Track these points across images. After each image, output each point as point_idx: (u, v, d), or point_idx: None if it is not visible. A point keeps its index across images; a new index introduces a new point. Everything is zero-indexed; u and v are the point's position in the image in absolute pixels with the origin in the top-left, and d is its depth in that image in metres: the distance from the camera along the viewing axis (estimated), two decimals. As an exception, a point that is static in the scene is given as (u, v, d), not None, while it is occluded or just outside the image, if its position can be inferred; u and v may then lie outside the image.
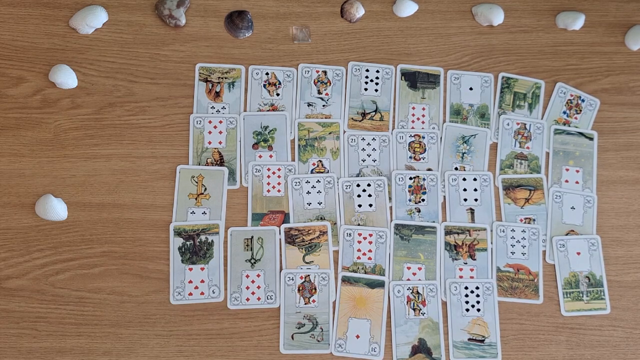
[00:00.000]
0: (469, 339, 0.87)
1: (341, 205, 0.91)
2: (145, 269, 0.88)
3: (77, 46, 0.94)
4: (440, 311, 0.88)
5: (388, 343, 0.87)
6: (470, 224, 0.91)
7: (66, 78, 0.91)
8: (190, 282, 0.87)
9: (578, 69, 0.98)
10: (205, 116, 0.93)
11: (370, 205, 0.91)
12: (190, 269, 0.88)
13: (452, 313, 0.88)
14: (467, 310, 0.88)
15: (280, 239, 0.89)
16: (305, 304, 0.87)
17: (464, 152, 0.94)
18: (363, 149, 0.93)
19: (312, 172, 0.92)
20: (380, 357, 0.86)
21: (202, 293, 0.87)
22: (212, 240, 0.89)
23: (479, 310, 0.88)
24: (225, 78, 0.94)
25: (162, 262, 0.88)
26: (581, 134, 0.96)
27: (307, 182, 0.91)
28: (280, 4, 0.98)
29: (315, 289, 0.87)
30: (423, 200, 0.92)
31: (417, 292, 0.88)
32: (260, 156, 0.92)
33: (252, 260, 0.88)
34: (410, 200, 0.92)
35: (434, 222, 0.91)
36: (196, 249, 0.88)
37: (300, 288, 0.88)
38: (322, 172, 0.92)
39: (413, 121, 0.95)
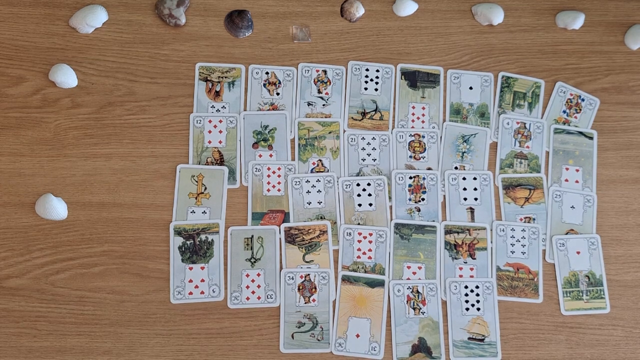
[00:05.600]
0: (469, 338, 0.87)
1: (341, 204, 0.91)
2: (145, 268, 0.88)
3: (77, 45, 0.94)
4: (440, 310, 0.88)
5: (388, 342, 0.87)
6: (470, 223, 0.91)
7: (66, 77, 0.91)
8: (191, 281, 0.87)
9: (578, 69, 0.98)
10: (205, 115, 0.93)
11: (370, 204, 0.91)
12: (191, 268, 0.88)
13: (452, 312, 0.88)
14: (467, 309, 0.88)
15: (280, 238, 0.89)
16: (305, 303, 0.87)
17: (464, 152, 0.94)
18: (363, 148, 0.93)
19: (312, 172, 0.92)
20: (380, 356, 0.86)
21: (202, 292, 0.87)
22: (212, 240, 0.89)
23: (478, 309, 0.88)
24: (225, 77, 0.94)
25: (162, 261, 0.88)
26: (581, 133, 0.96)
27: (307, 181, 0.91)
28: (280, 4, 0.98)
29: (315, 288, 0.88)
30: (423, 199, 0.92)
31: (417, 291, 0.88)
32: (260, 155, 0.92)
33: (252, 260, 0.88)
34: (410, 199, 0.92)
35: (433, 221, 0.91)
36: (196, 248, 0.88)
37: (300, 287, 0.88)
38: (322, 172, 0.92)
39: (413, 120, 0.95)
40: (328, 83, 0.95)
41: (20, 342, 0.85)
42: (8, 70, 0.93)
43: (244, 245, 0.89)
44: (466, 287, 0.89)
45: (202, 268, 0.88)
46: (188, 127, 0.92)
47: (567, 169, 0.95)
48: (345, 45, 0.97)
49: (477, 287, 0.89)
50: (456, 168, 0.94)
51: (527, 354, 0.88)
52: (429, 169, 0.93)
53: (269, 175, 0.91)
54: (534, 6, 1.00)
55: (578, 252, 0.91)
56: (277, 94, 0.95)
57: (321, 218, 0.90)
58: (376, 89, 0.96)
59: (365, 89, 0.96)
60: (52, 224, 0.89)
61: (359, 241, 0.90)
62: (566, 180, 0.94)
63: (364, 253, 0.89)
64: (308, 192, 0.91)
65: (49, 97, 0.92)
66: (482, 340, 0.87)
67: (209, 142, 0.92)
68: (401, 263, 0.89)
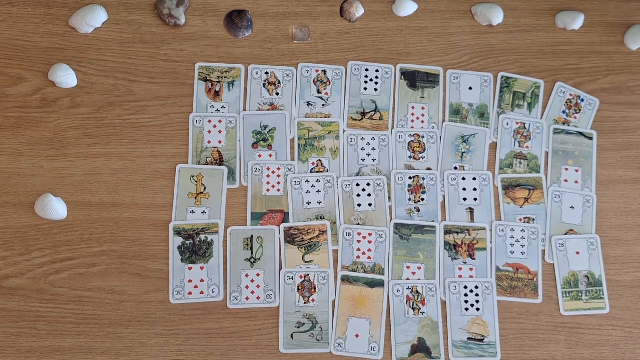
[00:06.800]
0: (469, 339, 0.87)
1: (341, 204, 0.91)
2: (144, 268, 0.88)
3: (76, 45, 0.94)
4: (439, 310, 0.88)
5: (387, 342, 0.87)
6: (470, 224, 0.91)
7: (66, 77, 0.91)
8: (190, 281, 0.87)
9: (577, 69, 0.98)
10: (204, 115, 0.93)
11: (370, 204, 0.91)
12: (190, 268, 0.88)
13: (452, 312, 0.88)
14: (467, 309, 0.88)
15: (279, 239, 0.89)
16: (305, 303, 0.87)
17: (464, 152, 0.94)
18: (362, 149, 0.93)
19: (311, 172, 0.92)
20: (380, 356, 0.86)
21: (201, 292, 0.87)
22: (212, 240, 0.89)
23: (478, 309, 0.88)
24: (225, 77, 0.94)
25: (161, 261, 0.88)
26: (580, 133, 0.96)
27: (307, 181, 0.91)
28: (280, 4, 0.98)
29: (314, 288, 0.88)
30: (422, 199, 0.92)
31: (417, 292, 0.88)
32: (259, 155, 0.92)
33: (252, 260, 0.88)
34: (409, 199, 0.92)
35: (433, 221, 0.91)
36: (196, 248, 0.88)
37: (300, 287, 0.88)
38: (321, 172, 0.92)
39: (413, 120, 0.95)
40: (328, 83, 0.95)
41: (20, 342, 0.85)
42: (8, 70, 0.93)
43: (243, 246, 0.89)
44: (466, 287, 0.89)
45: (202, 268, 0.88)
46: (188, 127, 0.92)
47: (566, 169, 0.95)
48: (345, 45, 0.97)
49: (476, 287, 0.89)
50: (456, 168, 0.94)
51: (526, 354, 0.88)
52: (429, 169, 0.93)
53: (268, 176, 0.91)
54: (534, 6, 1.00)
55: (577, 253, 0.91)
56: (277, 94, 0.95)
57: (321, 218, 0.90)
58: (376, 89, 0.96)
59: (365, 89, 0.96)
60: (52, 224, 0.89)
61: (359, 241, 0.90)
62: (566, 180, 0.94)
63: (364, 253, 0.89)
64: (308, 192, 0.91)
65: (49, 97, 0.92)
66: (481, 340, 0.87)
67: (209, 142, 0.92)
68: (401, 263, 0.89)
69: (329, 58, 0.96)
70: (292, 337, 0.86)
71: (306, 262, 0.89)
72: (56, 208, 0.87)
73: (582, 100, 0.97)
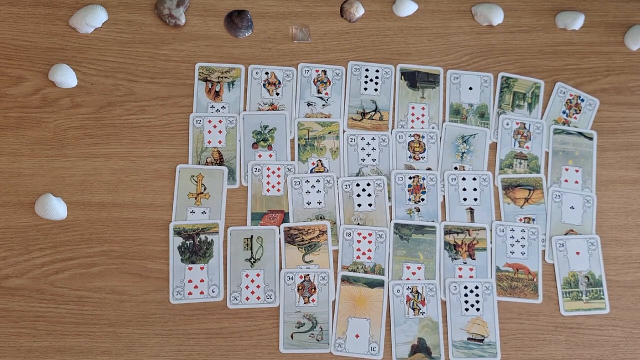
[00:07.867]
0: (469, 339, 0.87)
1: (341, 204, 0.91)
2: (144, 268, 0.88)
3: (76, 45, 0.94)
4: (439, 311, 0.88)
5: (387, 342, 0.87)
6: (470, 224, 0.91)
7: (66, 77, 0.91)
8: (190, 281, 0.87)
9: (577, 69, 0.98)
10: (205, 115, 0.93)
11: (370, 204, 0.91)
12: (190, 268, 0.88)
13: (452, 312, 0.88)
14: (467, 309, 0.88)
15: (279, 239, 0.89)
16: (305, 303, 0.87)
17: (464, 152, 0.94)
18: (362, 149, 0.93)
19: (311, 172, 0.92)
20: (380, 356, 0.86)
21: (201, 292, 0.87)
22: (212, 240, 0.89)
23: (478, 309, 0.88)
24: (225, 77, 0.94)
25: (161, 261, 0.88)
26: (580, 133, 0.96)
27: (307, 181, 0.91)
28: (280, 4, 0.98)
29: (314, 288, 0.88)
30: (422, 199, 0.92)
31: (417, 292, 0.88)
32: (259, 155, 0.92)
33: (252, 260, 0.88)
34: (409, 199, 0.92)
35: (433, 221, 0.91)
36: (196, 249, 0.88)
37: (300, 287, 0.88)
38: (321, 172, 0.92)
39: (413, 121, 0.95)
40: (328, 83, 0.95)
41: (20, 342, 0.85)
42: (8, 70, 0.93)
43: (243, 246, 0.89)
44: (466, 287, 0.89)
45: (202, 268, 0.88)
46: (188, 127, 0.92)
47: (566, 169, 0.95)
48: (345, 45, 0.97)
49: (476, 287, 0.89)
50: (456, 168, 0.94)
51: (526, 355, 0.88)
52: (429, 169, 0.93)
53: (268, 176, 0.91)
54: (534, 7, 1.00)
55: (577, 253, 0.91)
56: (277, 94, 0.95)
57: (321, 218, 0.90)
58: (376, 89, 0.96)
59: (365, 89, 0.96)
60: (52, 224, 0.89)
61: (359, 241, 0.90)
62: (566, 180, 0.94)
63: (364, 253, 0.89)
64: (308, 192, 0.91)
65: (49, 97, 0.92)
66: (481, 340, 0.87)
67: (209, 142, 0.92)
68: (401, 263, 0.89)
69: (329, 58, 0.96)
70: (292, 337, 0.86)
71: (306, 262, 0.89)
72: (56, 208, 0.87)
73: (582, 101, 0.97)
